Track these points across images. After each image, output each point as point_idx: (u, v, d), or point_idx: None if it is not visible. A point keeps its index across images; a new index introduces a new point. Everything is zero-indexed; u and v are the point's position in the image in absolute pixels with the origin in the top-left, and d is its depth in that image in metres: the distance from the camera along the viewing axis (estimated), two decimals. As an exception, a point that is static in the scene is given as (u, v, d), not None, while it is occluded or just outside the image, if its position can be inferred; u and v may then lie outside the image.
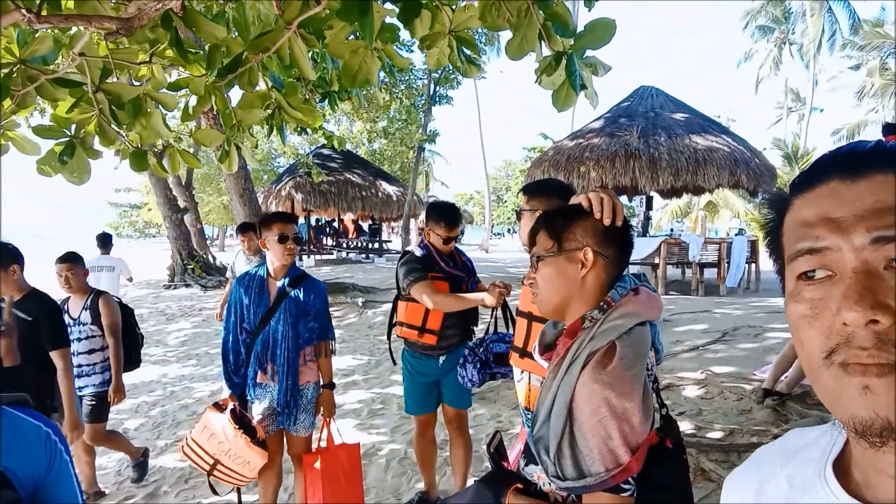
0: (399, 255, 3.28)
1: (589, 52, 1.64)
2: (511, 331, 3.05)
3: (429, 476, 3.45)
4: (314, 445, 3.07)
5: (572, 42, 1.59)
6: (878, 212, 0.49)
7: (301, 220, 20.49)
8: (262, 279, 2.98)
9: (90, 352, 3.73)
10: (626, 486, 1.16)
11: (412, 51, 15.01)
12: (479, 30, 1.73)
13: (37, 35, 1.77)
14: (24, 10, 1.42)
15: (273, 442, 2.98)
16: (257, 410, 2.94)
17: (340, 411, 4.81)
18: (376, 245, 23.41)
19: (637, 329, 1.28)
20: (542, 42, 1.60)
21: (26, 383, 2.21)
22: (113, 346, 3.67)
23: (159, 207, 15.74)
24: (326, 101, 3.36)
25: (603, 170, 11.80)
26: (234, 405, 2.88)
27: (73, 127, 2.04)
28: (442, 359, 3.18)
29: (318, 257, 20.54)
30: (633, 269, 10.82)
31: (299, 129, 3.67)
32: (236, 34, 1.84)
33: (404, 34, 1.89)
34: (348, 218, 24.91)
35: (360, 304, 10.09)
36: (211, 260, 16.44)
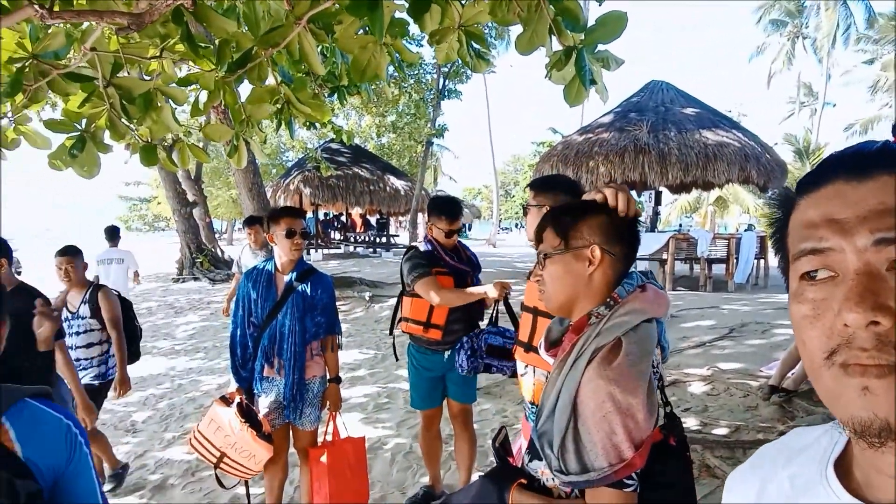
0: (404, 251, 3.29)
1: (601, 47, 1.63)
2: (513, 327, 3.07)
3: (434, 470, 3.47)
4: (320, 439, 3.09)
5: (583, 37, 1.58)
6: (881, 213, 0.49)
7: (309, 215, 20.55)
8: (270, 274, 2.99)
9: (88, 346, 3.74)
10: (630, 482, 1.16)
11: (422, 45, 15.00)
12: (489, 24, 1.72)
13: (49, 30, 1.78)
14: (36, 6, 1.44)
15: (279, 436, 3.00)
16: (264, 404, 2.96)
17: (346, 405, 4.83)
18: (384, 239, 23.44)
19: (643, 326, 1.28)
20: (553, 37, 1.60)
21: (23, 379, 2.23)
22: (116, 338, 3.69)
23: (168, 201, 15.82)
24: (335, 95, 3.37)
25: (612, 165, 11.76)
26: (240, 399, 2.90)
27: (84, 121, 2.06)
28: (447, 354, 3.19)
29: (325, 251, 20.59)
30: (640, 265, 10.79)
31: (308, 123, 3.67)
32: (246, 29, 1.84)
33: (413, 28, 1.89)
34: (356, 212, 24.95)
35: (367, 298, 10.12)
36: (219, 253, 16.52)
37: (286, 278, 2.97)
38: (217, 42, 1.91)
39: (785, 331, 6.30)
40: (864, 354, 0.47)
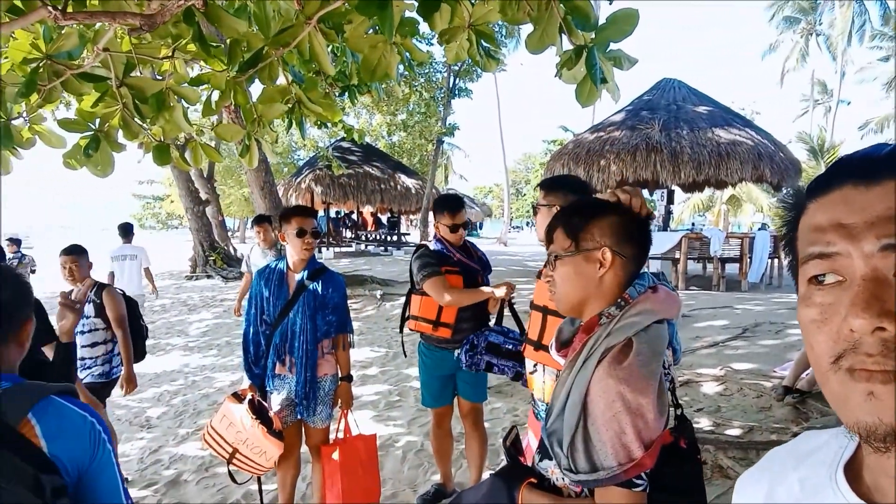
0: (413, 249, 3.30)
1: (613, 45, 1.62)
2: (517, 328, 3.09)
3: (445, 468, 3.47)
4: (332, 436, 3.11)
5: (593, 35, 1.57)
6: (889, 219, 0.49)
7: (321, 213, 20.62)
8: (282, 272, 3.01)
9: (93, 345, 3.75)
10: (639, 482, 1.16)
11: (432, 44, 15.01)
12: (499, 22, 1.72)
13: (62, 31, 1.80)
14: (50, 7, 1.45)
15: (291, 433, 3.02)
16: (276, 401, 2.98)
17: (358, 403, 4.85)
18: (395, 238, 23.48)
19: (654, 327, 1.27)
20: (563, 35, 1.59)
21: (45, 371, 2.26)
22: (121, 337, 3.69)
23: (181, 199, 15.95)
24: (346, 94, 3.38)
25: (624, 163, 11.70)
26: (252, 396, 2.93)
27: (98, 121, 2.08)
28: (457, 352, 3.20)
29: (337, 250, 20.66)
30: (653, 265, 10.74)
31: (319, 122, 3.68)
32: (257, 29, 1.85)
33: (424, 27, 1.89)
34: (367, 211, 25.01)
35: (379, 296, 10.15)
36: (232, 251, 16.63)
37: (298, 277, 2.99)
38: (228, 42, 1.93)
39: (799, 331, 6.19)
40: (869, 360, 0.47)
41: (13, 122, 2.04)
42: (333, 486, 2.94)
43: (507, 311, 3.24)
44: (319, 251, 18.71)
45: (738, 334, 6.37)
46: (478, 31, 1.75)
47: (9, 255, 9.36)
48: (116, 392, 3.91)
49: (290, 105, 2.16)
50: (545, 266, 1.49)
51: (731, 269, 12.31)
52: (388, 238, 23.37)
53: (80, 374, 3.68)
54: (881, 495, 0.54)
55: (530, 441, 1.90)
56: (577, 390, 1.21)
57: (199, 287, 13.86)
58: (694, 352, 5.83)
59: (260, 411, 2.89)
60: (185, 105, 2.25)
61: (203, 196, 15.72)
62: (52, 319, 2.37)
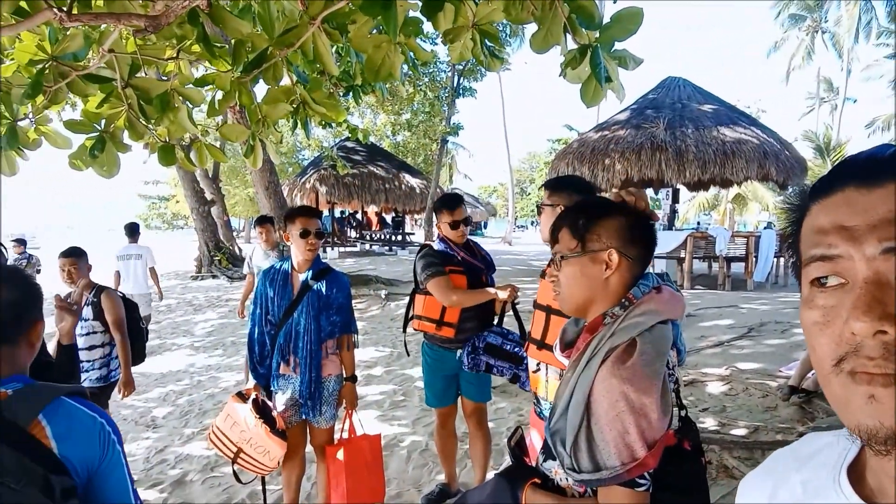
0: (418, 249, 3.31)
1: (618, 45, 1.62)
2: (518, 330, 3.09)
3: (449, 468, 3.47)
4: (337, 436, 3.11)
5: (598, 34, 1.57)
6: (891, 222, 0.49)
7: (325, 213, 20.65)
8: (287, 273, 3.02)
9: (90, 348, 3.71)
10: (642, 482, 1.16)
11: (436, 43, 14.98)
12: (503, 21, 1.71)
13: (68, 33, 1.80)
14: (55, 9, 1.46)
15: (296, 432, 3.03)
16: (280, 401, 2.99)
17: (362, 403, 4.86)
18: (399, 237, 23.49)
19: (658, 327, 1.27)
20: (568, 35, 1.59)
21: (51, 371, 2.28)
22: (120, 340, 3.65)
23: (187, 200, 15.99)
24: (350, 94, 3.38)
25: (628, 162, 11.66)
26: (256, 395, 2.94)
27: (104, 121, 2.09)
28: (460, 352, 3.20)
29: (341, 249, 20.69)
30: (658, 264, 10.69)
31: (323, 122, 3.69)
32: (261, 30, 1.85)
33: (427, 27, 1.89)
34: (372, 210, 25.03)
35: (383, 296, 10.16)
36: (237, 251, 16.67)
37: (302, 277, 2.99)
38: (233, 43, 1.93)
39: (805, 330, 6.21)
40: (870, 363, 0.47)
41: (19, 123, 2.04)
42: (338, 486, 2.95)
43: (509, 312, 3.24)
44: (324, 251, 18.75)
45: (744, 334, 6.35)
46: (482, 30, 1.75)
47: (15, 255, 9.41)
48: (116, 395, 3.91)
49: (294, 106, 2.16)
50: (549, 265, 1.48)
51: (737, 268, 12.27)
52: (393, 238, 23.39)
53: None
54: (884, 497, 0.54)
55: (534, 440, 1.90)
56: (580, 390, 1.21)
57: (205, 287, 13.90)
58: (699, 351, 5.81)
59: (264, 411, 2.90)
60: (190, 106, 2.26)
61: (208, 196, 15.76)
62: (50, 321, 2.38)
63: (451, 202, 3.21)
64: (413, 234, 25.74)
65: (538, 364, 1.99)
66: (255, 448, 2.82)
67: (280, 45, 1.75)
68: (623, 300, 1.31)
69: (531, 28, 1.63)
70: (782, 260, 12.44)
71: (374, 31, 1.96)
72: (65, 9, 1.49)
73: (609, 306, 1.32)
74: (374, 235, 24.25)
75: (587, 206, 1.43)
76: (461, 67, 19.62)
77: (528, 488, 1.35)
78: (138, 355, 3.92)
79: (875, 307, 0.47)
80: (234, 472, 2.95)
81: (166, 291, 12.60)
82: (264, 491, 3.17)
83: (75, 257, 3.66)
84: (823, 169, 21.85)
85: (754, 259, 11.62)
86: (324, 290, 2.97)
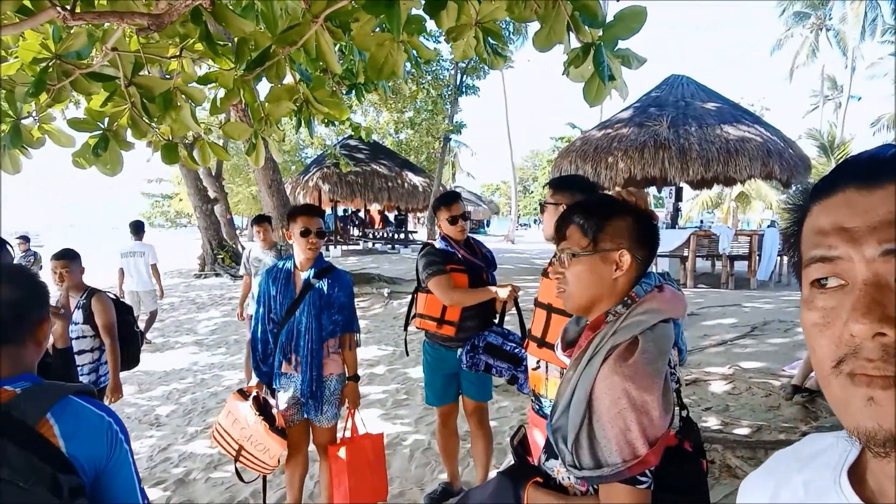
0: (420, 247, 3.32)
1: (621, 44, 1.61)
2: (520, 330, 3.10)
3: (451, 467, 3.48)
4: (339, 435, 3.11)
5: (601, 32, 1.57)
6: (891, 223, 0.48)
7: (328, 211, 20.66)
8: (289, 271, 3.03)
9: (79, 352, 3.58)
10: (643, 479, 1.16)
11: (439, 41, 14.96)
12: (507, 19, 1.71)
13: (72, 31, 1.81)
14: (59, 8, 1.46)
15: (298, 431, 3.04)
16: (283, 399, 2.99)
17: (365, 401, 4.86)
18: (402, 236, 23.50)
19: (660, 326, 1.28)
20: (571, 33, 1.59)
21: (50, 373, 2.28)
22: (109, 345, 3.54)
23: (190, 198, 16.00)
24: (353, 92, 3.38)
25: (632, 160, 11.65)
26: (257, 392, 2.95)
27: (107, 120, 2.09)
28: (460, 351, 3.20)
29: (344, 248, 20.70)
30: (661, 262, 10.65)
31: (326, 120, 3.69)
32: (264, 28, 1.85)
33: (430, 25, 1.89)
34: (374, 208, 25.04)
35: (386, 294, 10.16)
36: (240, 250, 16.67)
37: (304, 276, 3.00)
38: (235, 41, 1.93)
39: (808, 329, 6.19)
40: (869, 365, 0.47)
41: (23, 121, 2.05)
42: (340, 485, 2.95)
43: (511, 311, 3.24)
44: (327, 249, 18.76)
45: (747, 332, 6.34)
46: (485, 28, 1.74)
47: (20, 252, 9.46)
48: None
49: (298, 104, 2.16)
50: (552, 263, 1.47)
51: (740, 266, 12.25)
52: (396, 236, 23.40)
53: None
54: (884, 498, 0.54)
55: (536, 439, 1.91)
56: (582, 387, 1.22)
57: (208, 285, 13.92)
58: (702, 350, 5.80)
59: (264, 408, 2.91)
60: (193, 104, 2.26)
61: (211, 194, 15.78)
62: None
63: (447, 198, 3.23)
64: (416, 232, 25.75)
65: (538, 362, 1.99)
66: (255, 446, 2.84)
67: (283, 43, 1.75)
68: (626, 298, 1.32)
69: (534, 26, 1.62)
70: (786, 258, 12.41)
71: (377, 29, 1.96)
72: (68, 7, 1.49)
73: (612, 305, 1.32)
74: (376, 234, 24.26)
75: (597, 204, 1.42)
76: (464, 65, 19.59)
77: (530, 487, 1.35)
78: (132, 359, 3.80)
79: (874, 309, 0.47)
80: (236, 470, 2.96)
81: (170, 290, 12.63)
82: (265, 490, 3.17)
83: (67, 260, 3.56)
84: (827, 167, 21.77)
85: (758, 257, 11.60)
86: (326, 288, 2.98)
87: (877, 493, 0.55)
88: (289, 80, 2.06)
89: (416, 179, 20.08)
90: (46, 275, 3.17)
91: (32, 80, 1.79)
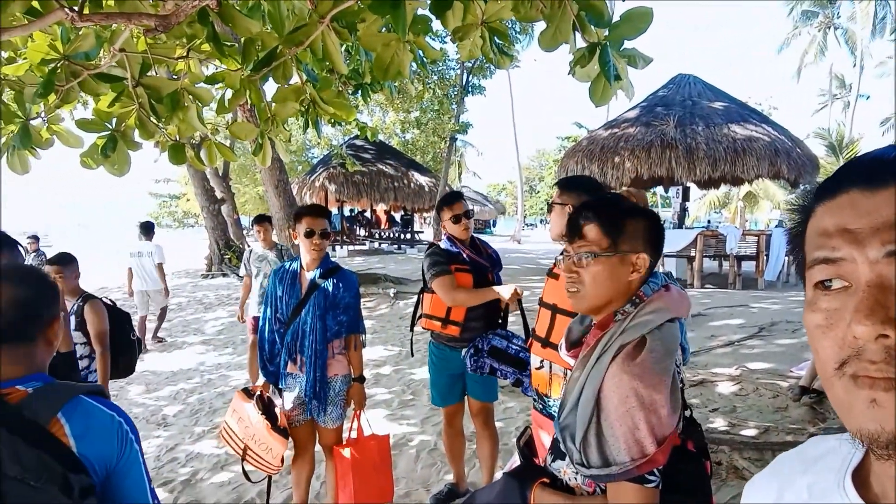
0: (426, 248, 3.33)
1: (627, 44, 1.61)
2: (523, 332, 3.09)
3: (457, 468, 3.47)
4: (345, 435, 3.12)
5: (607, 32, 1.56)
6: (895, 225, 0.48)
7: (334, 211, 20.69)
8: (295, 272, 3.04)
9: None
10: (652, 478, 1.16)
11: (445, 41, 14.95)
12: (512, 19, 1.72)
13: (80, 32, 1.82)
14: (67, 9, 1.47)
15: (304, 431, 3.05)
16: (288, 399, 3.01)
17: (371, 402, 4.87)
18: (408, 236, 23.52)
19: (667, 325, 1.29)
20: (577, 33, 1.58)
21: (56, 375, 2.29)
22: (100, 354, 3.43)
23: (197, 198, 16.05)
24: (359, 92, 3.39)
25: (638, 160, 11.60)
26: (261, 392, 2.96)
27: (115, 120, 2.10)
28: (464, 353, 3.20)
29: (350, 248, 20.73)
30: (668, 262, 10.59)
31: (333, 120, 3.70)
32: (271, 28, 1.86)
33: (436, 24, 1.89)
34: (381, 208, 25.07)
35: (392, 294, 10.16)
36: (247, 250, 16.71)
37: (310, 276, 3.00)
38: (242, 41, 1.94)
39: (816, 329, 6.15)
40: (872, 367, 0.47)
41: (32, 122, 2.06)
42: (346, 486, 2.95)
43: (515, 311, 3.24)
44: (333, 249, 18.79)
45: (755, 333, 6.31)
46: (491, 28, 1.74)
47: (30, 252, 9.55)
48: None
49: (304, 105, 2.17)
50: (560, 262, 1.46)
51: (748, 266, 12.18)
52: (402, 236, 23.42)
53: None
54: (888, 500, 0.53)
55: (543, 439, 1.90)
56: (590, 385, 1.22)
57: (215, 285, 13.97)
58: (709, 351, 5.78)
59: (268, 408, 2.93)
60: (200, 104, 2.27)
61: (218, 194, 15.83)
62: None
63: (449, 198, 3.25)
64: (422, 232, 25.76)
65: (542, 361, 1.99)
66: (258, 445, 2.85)
67: (289, 43, 1.75)
68: (634, 297, 1.32)
69: (540, 26, 1.62)
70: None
71: (383, 29, 1.96)
72: (76, 9, 1.50)
73: (620, 305, 1.32)
74: (383, 234, 24.29)
75: (615, 205, 1.41)
76: (470, 65, 19.58)
77: (537, 488, 1.35)
78: (126, 369, 3.70)
79: (877, 311, 0.47)
80: (243, 469, 2.97)
81: (177, 290, 12.70)
82: (269, 492, 3.18)
83: (61, 265, 3.47)
84: (836, 166, 21.59)
85: (765, 258, 11.54)
86: (331, 289, 2.98)
87: (880, 495, 0.55)
88: (295, 80, 2.07)
89: (423, 179, 20.09)
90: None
91: (41, 81, 1.81)
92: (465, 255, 3.16)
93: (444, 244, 3.20)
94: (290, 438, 2.99)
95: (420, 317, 3.33)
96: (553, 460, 1.38)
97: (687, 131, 11.58)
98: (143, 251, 7.94)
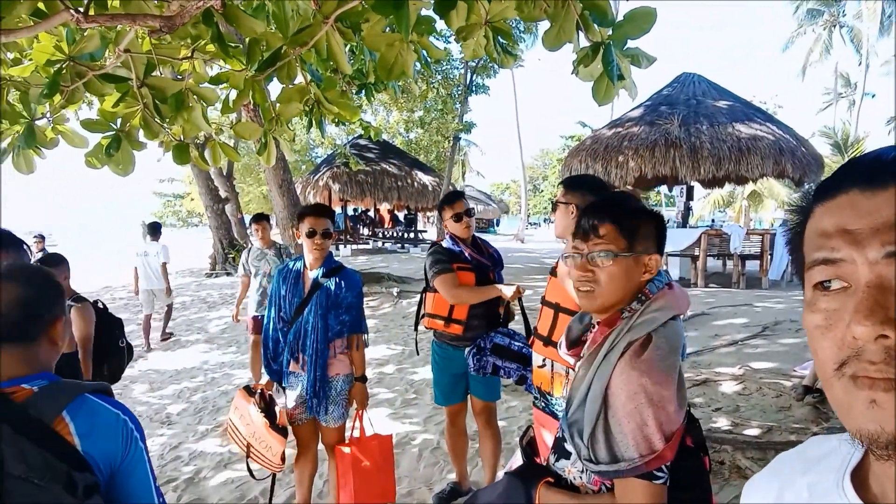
0: (428, 247, 3.35)
1: (631, 44, 1.61)
2: (524, 330, 3.11)
3: (460, 467, 3.48)
4: (348, 434, 3.12)
5: (611, 32, 1.57)
6: (894, 226, 0.48)
7: (338, 210, 20.71)
8: (299, 271, 3.05)
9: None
10: (660, 475, 1.16)
11: (449, 41, 14.94)
12: (516, 18, 1.72)
13: (85, 33, 1.82)
14: (72, 11, 1.47)
15: (307, 430, 3.07)
16: (291, 398, 3.02)
17: (374, 401, 4.87)
18: (412, 235, 23.52)
19: (671, 323, 1.31)
20: (580, 32, 1.58)
21: (61, 374, 2.29)
22: (82, 358, 3.32)
23: (201, 197, 16.11)
24: (363, 92, 3.39)
25: (642, 159, 11.57)
26: (262, 389, 2.98)
27: (119, 120, 2.11)
28: (467, 353, 3.21)
29: (354, 247, 20.75)
30: (672, 262, 10.54)
31: (336, 120, 3.70)
32: (275, 29, 1.86)
33: (440, 24, 1.89)
34: (384, 208, 25.08)
35: (395, 293, 10.17)
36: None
37: (313, 275, 3.01)
38: (247, 42, 1.94)
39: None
40: (872, 367, 0.47)
41: (37, 122, 2.07)
42: (346, 486, 2.96)
43: (518, 310, 3.25)
44: (336, 248, 18.81)
45: (758, 332, 6.30)
46: (494, 27, 1.75)
47: (36, 251, 9.59)
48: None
49: (309, 105, 2.18)
50: (567, 261, 1.44)
51: (752, 266, 12.15)
52: (405, 235, 23.42)
53: None
54: (887, 500, 0.54)
55: (545, 438, 1.91)
56: (598, 382, 1.23)
57: (219, 284, 14.00)
58: (713, 350, 5.77)
59: (269, 406, 2.95)
60: (205, 104, 2.28)
61: (222, 194, 15.87)
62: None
63: (449, 197, 3.27)
64: (425, 231, 25.76)
65: (544, 360, 2.00)
66: (259, 442, 2.87)
67: (294, 43, 1.76)
68: (640, 295, 1.33)
69: (544, 25, 1.62)
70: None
71: (387, 29, 1.97)
72: (81, 10, 1.50)
73: (626, 304, 1.33)
74: (386, 233, 24.31)
75: (629, 205, 1.42)
76: (474, 65, 19.56)
77: (542, 487, 1.36)
78: (113, 376, 3.60)
79: (877, 311, 0.47)
80: (247, 466, 2.99)
81: (181, 289, 12.74)
82: (272, 490, 3.19)
83: (52, 266, 3.26)
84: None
85: (769, 257, 11.50)
86: (333, 288, 2.99)
87: (879, 495, 0.55)
88: (300, 80, 2.08)
89: (426, 178, 20.08)
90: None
91: (46, 82, 1.81)
92: (467, 254, 3.17)
93: (446, 243, 3.22)
94: (294, 437, 3.00)
95: (423, 316, 3.33)
96: (556, 459, 1.39)
97: (691, 130, 11.55)
98: (149, 251, 8.11)
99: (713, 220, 24.85)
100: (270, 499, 3.21)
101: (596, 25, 1.56)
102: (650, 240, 1.35)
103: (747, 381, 4.80)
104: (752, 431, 3.82)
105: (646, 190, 15.70)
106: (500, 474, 3.12)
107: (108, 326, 3.55)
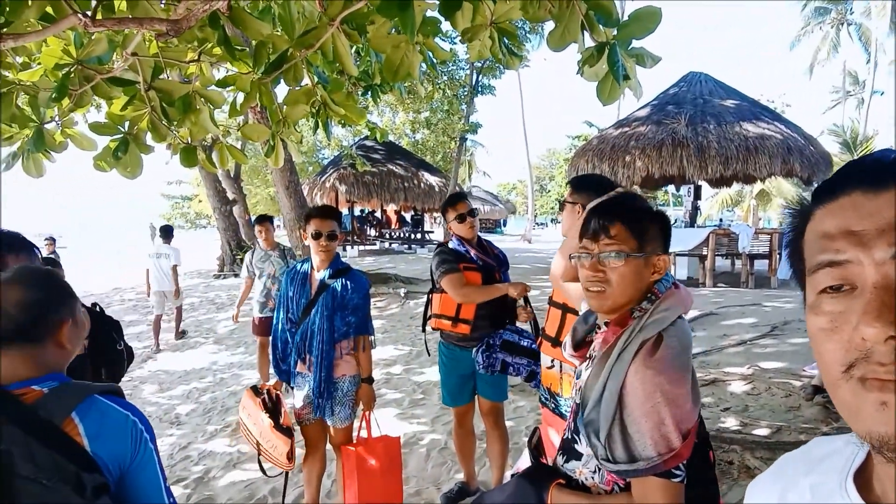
0: (434, 247, 3.36)
1: (636, 43, 1.61)
2: (531, 330, 3.11)
3: (468, 467, 3.48)
4: (355, 434, 3.13)
5: (615, 32, 1.56)
6: None
7: (345, 212, 20.74)
8: (306, 273, 3.07)
9: None
10: (678, 473, 1.17)
11: (455, 42, 14.95)
12: (521, 19, 1.72)
13: (92, 37, 1.84)
14: (80, 15, 1.49)
15: (314, 430, 3.09)
16: (299, 398, 3.04)
17: (382, 401, 4.88)
18: (418, 236, 23.54)
19: (679, 321, 1.31)
20: (585, 32, 1.58)
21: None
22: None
23: (209, 199, 16.19)
24: (369, 93, 3.40)
25: (649, 159, 11.53)
26: (269, 389, 3.01)
27: (127, 124, 2.12)
28: (475, 352, 3.21)
29: (361, 248, 20.78)
30: (679, 262, 10.49)
31: (343, 122, 3.71)
32: (281, 31, 1.87)
33: (446, 25, 1.89)
34: (391, 209, 25.10)
35: (402, 294, 10.18)
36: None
37: (319, 276, 3.02)
38: (253, 44, 1.95)
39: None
40: (882, 369, 0.47)
41: (46, 126, 2.09)
42: (351, 486, 2.97)
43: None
44: (344, 249, 18.84)
45: (767, 332, 6.26)
46: (500, 28, 1.75)
47: (47, 253, 9.66)
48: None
49: (315, 107, 2.18)
50: (576, 261, 1.43)
51: (761, 265, 12.09)
52: (412, 236, 23.44)
53: None
54: (889, 502, 0.53)
55: (552, 438, 1.90)
56: (613, 382, 1.23)
57: (227, 286, 14.05)
58: (721, 350, 5.74)
59: (275, 406, 2.96)
60: (212, 107, 2.29)
61: (230, 196, 15.94)
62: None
63: (452, 199, 3.30)
64: (432, 232, 25.75)
65: (552, 361, 1.99)
66: (266, 441, 2.89)
67: (300, 46, 1.77)
68: (649, 294, 1.33)
69: (550, 25, 1.62)
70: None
71: (393, 30, 1.97)
72: (89, 14, 1.51)
73: (634, 305, 1.33)
74: (393, 234, 24.34)
75: (638, 205, 1.42)
76: (480, 65, 19.54)
77: (554, 488, 1.35)
78: (111, 379, 3.54)
79: (886, 312, 0.46)
80: (259, 463, 3.00)
81: (189, 290, 12.78)
82: (284, 489, 3.20)
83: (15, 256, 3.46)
84: (850, 164, 21.34)
85: (778, 256, 11.43)
86: (339, 289, 3.00)
87: (881, 496, 0.54)
88: (306, 82, 2.08)
89: (433, 179, 20.08)
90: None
91: (55, 86, 1.83)
92: (472, 255, 3.18)
93: (452, 244, 3.23)
94: (301, 437, 3.01)
95: (430, 317, 3.34)
96: (566, 461, 1.38)
97: (698, 129, 11.49)
98: (161, 253, 8.31)
99: (721, 220, 24.77)
100: (283, 497, 3.22)
101: (601, 25, 1.56)
102: (658, 240, 1.36)
103: (756, 380, 4.78)
104: (762, 431, 3.80)
105: (653, 189, 15.65)
106: (508, 474, 3.12)
107: (105, 330, 3.55)
